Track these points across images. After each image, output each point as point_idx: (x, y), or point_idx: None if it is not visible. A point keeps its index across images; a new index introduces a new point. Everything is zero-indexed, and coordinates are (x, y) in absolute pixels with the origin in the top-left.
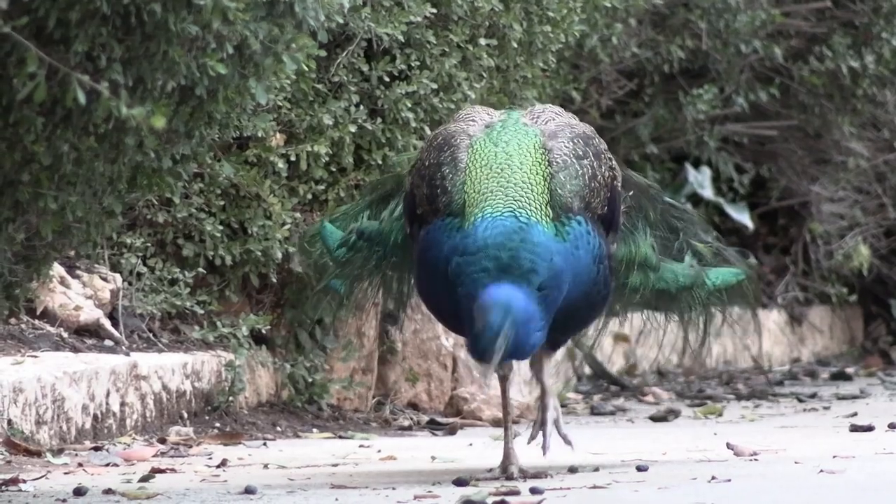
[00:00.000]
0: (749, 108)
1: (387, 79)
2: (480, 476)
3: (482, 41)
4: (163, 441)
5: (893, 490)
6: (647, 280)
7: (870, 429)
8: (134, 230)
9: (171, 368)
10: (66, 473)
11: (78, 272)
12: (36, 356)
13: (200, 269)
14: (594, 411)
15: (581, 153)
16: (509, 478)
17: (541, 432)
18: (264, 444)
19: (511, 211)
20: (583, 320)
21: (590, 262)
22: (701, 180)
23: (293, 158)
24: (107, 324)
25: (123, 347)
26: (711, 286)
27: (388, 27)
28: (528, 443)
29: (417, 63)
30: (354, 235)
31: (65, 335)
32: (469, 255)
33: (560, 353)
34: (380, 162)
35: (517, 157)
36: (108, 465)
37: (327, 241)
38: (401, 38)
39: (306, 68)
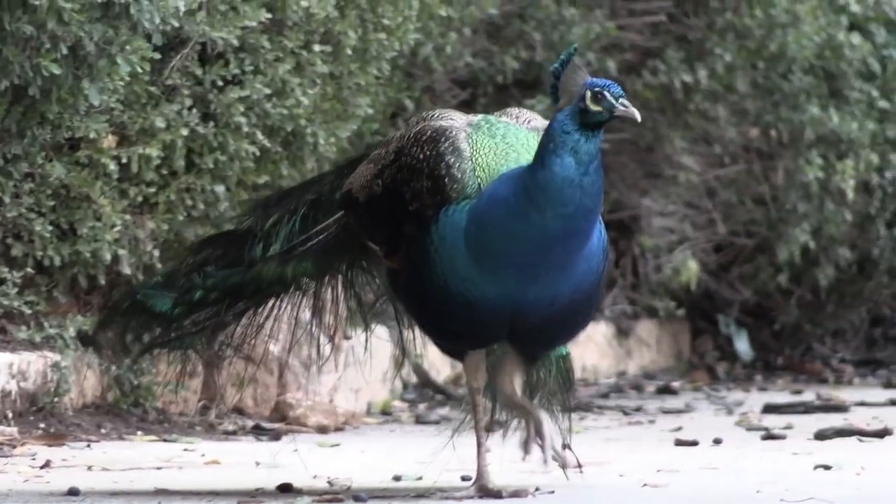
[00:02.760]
0: None
1: (220, 83)
2: (458, 494)
3: (316, 47)
4: None
5: None
6: None
7: (694, 443)
8: None
9: None
10: None
11: None
12: None
13: (29, 269)
14: (419, 420)
15: None
16: (490, 495)
17: (540, 448)
18: (88, 445)
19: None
20: (582, 317)
21: (600, 251)
22: None
23: (125, 160)
24: None
25: None
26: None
27: (222, 31)
28: (523, 458)
29: (251, 68)
30: (201, 292)
31: None
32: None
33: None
34: (211, 166)
35: (519, 146)
36: None
37: (157, 306)
38: (235, 42)
39: (140, 70)
